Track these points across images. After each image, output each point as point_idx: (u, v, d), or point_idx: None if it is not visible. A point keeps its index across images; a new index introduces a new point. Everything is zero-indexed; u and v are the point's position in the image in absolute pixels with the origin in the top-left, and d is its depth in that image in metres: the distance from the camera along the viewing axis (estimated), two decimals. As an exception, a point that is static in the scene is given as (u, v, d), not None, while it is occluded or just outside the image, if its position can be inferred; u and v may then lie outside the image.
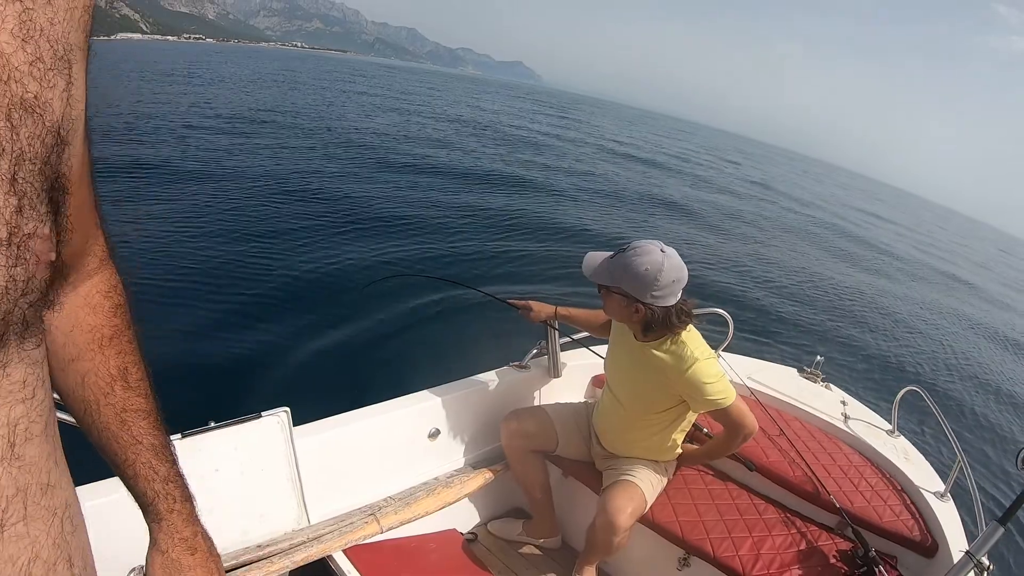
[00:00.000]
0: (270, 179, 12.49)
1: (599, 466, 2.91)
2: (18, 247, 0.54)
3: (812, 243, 20.97)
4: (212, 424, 2.17)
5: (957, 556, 2.34)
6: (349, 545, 2.35)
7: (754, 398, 3.45)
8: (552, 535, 3.12)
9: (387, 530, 2.49)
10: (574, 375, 3.54)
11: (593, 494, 2.81)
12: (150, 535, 0.97)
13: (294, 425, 2.34)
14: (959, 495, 2.93)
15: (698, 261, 12.91)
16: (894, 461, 3.10)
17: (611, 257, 2.42)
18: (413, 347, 6.22)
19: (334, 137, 19.79)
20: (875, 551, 2.47)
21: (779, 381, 3.77)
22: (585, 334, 3.25)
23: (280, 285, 7.13)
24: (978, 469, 6.91)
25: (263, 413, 2.28)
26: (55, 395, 1.61)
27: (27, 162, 0.54)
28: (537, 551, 3.11)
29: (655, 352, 2.46)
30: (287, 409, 2.32)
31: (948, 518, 2.72)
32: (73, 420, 1.67)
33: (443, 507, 2.76)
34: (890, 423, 3.49)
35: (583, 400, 3.48)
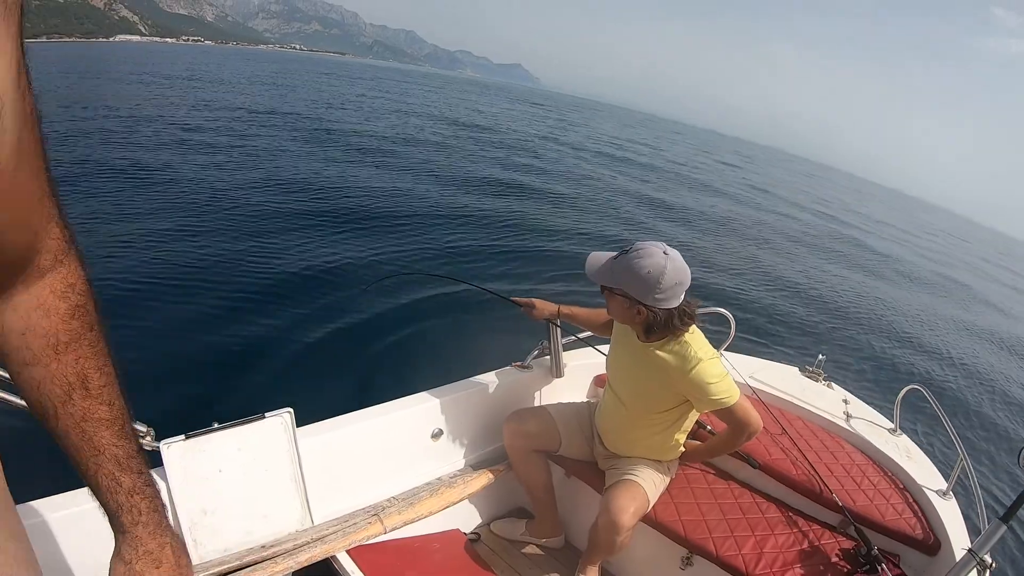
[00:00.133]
0: (270, 180, 12.52)
1: (602, 466, 2.92)
2: None
3: (812, 245, 21.00)
4: (216, 425, 2.18)
5: (960, 554, 2.35)
6: (353, 545, 2.36)
7: (756, 397, 3.46)
8: (555, 535, 3.13)
9: (390, 530, 2.50)
10: (576, 375, 3.53)
11: (596, 494, 2.81)
12: (115, 544, 0.94)
13: (297, 426, 2.35)
14: (961, 493, 2.94)
15: (699, 262, 12.94)
16: (896, 460, 3.10)
17: (614, 258, 2.41)
18: (415, 347, 6.23)
19: (333, 138, 19.83)
20: (878, 549, 2.47)
21: (781, 380, 3.77)
22: (588, 333, 3.25)
23: (283, 286, 7.15)
24: (980, 467, 6.91)
25: (267, 414, 2.28)
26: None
27: None
28: (540, 551, 3.11)
29: (658, 352, 2.46)
30: (290, 410, 2.32)
31: (950, 516, 2.72)
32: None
33: (446, 507, 2.77)
34: (892, 422, 3.49)
35: (585, 400, 3.48)
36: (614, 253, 2.44)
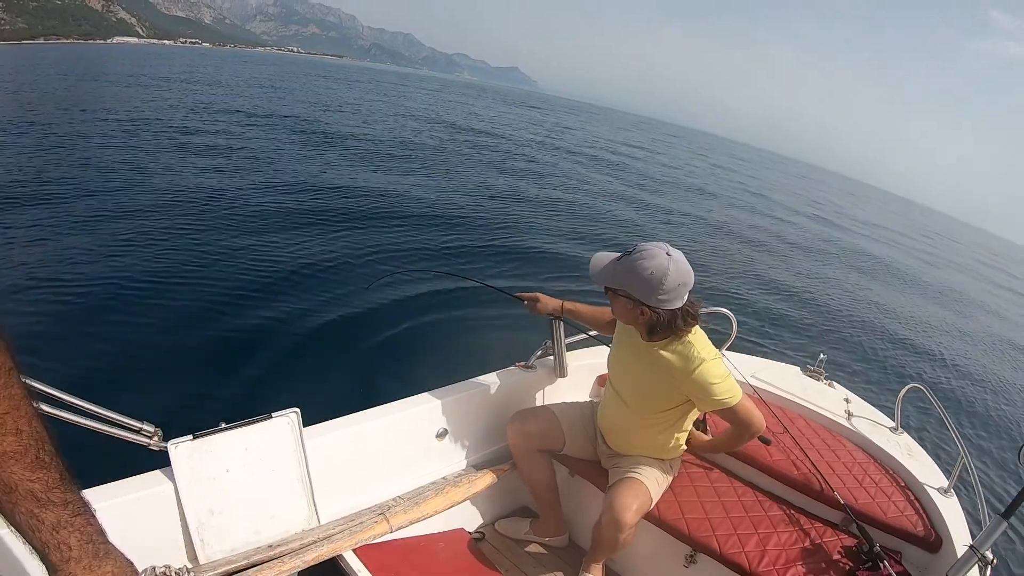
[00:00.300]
0: (269, 181, 12.56)
1: (605, 465, 2.93)
2: None
3: (811, 247, 21.07)
4: (223, 425, 2.19)
5: (961, 550, 2.36)
6: (359, 545, 2.37)
7: (758, 396, 3.47)
8: (559, 534, 3.14)
9: (396, 529, 2.51)
10: (580, 375, 3.54)
11: (600, 493, 2.82)
12: None
13: (304, 426, 2.36)
14: (962, 490, 2.96)
15: (699, 263, 12.96)
16: (898, 458, 3.12)
17: (617, 259, 2.41)
18: (419, 345, 6.26)
19: (331, 141, 19.82)
20: (880, 546, 2.49)
21: (783, 379, 3.79)
22: (592, 333, 3.27)
23: (286, 284, 7.20)
24: (981, 464, 6.93)
25: (273, 414, 2.29)
26: (36, 384, 1.61)
27: None
28: (544, 550, 3.13)
29: (661, 353, 2.47)
30: (297, 410, 2.33)
31: (952, 513, 2.74)
32: (48, 409, 1.69)
33: (451, 506, 2.78)
34: (893, 420, 3.51)
35: (589, 399, 3.49)
36: (617, 254, 2.44)
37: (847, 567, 2.48)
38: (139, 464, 2.05)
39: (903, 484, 2.96)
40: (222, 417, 2.23)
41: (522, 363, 3.40)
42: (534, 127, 45.41)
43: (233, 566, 2.11)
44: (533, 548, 3.13)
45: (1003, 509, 2.11)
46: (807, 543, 2.59)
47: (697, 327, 2.47)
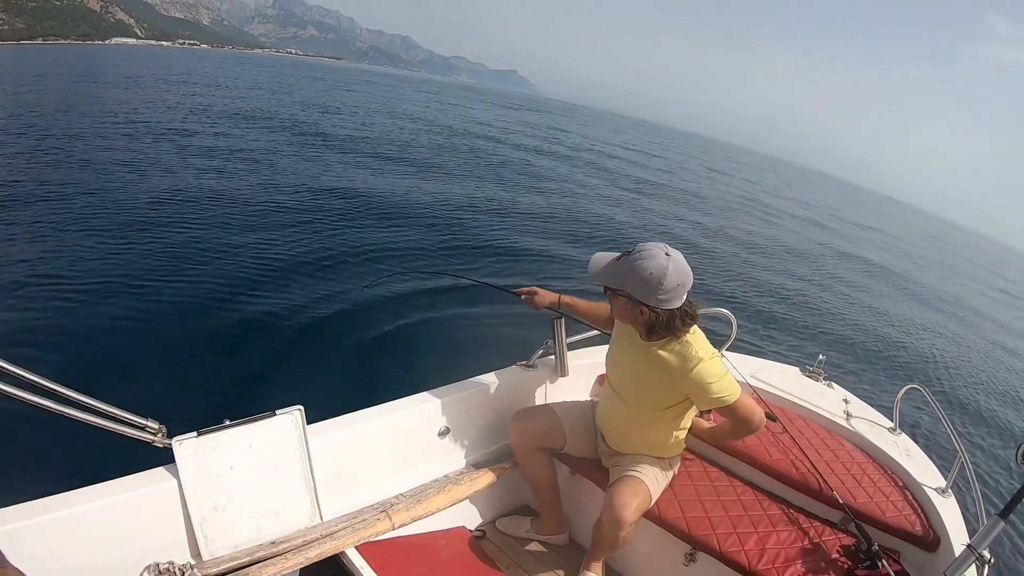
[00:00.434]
0: (268, 183, 12.59)
1: (605, 463, 2.94)
2: None
3: (810, 249, 21.14)
4: (227, 422, 2.20)
5: (959, 550, 2.37)
6: (361, 542, 2.38)
7: (757, 396, 3.48)
8: (559, 532, 3.16)
9: (399, 527, 2.53)
10: (580, 374, 3.56)
11: (600, 491, 2.83)
12: None
13: (307, 423, 2.37)
14: (960, 490, 2.97)
15: (699, 264, 13.01)
16: (896, 458, 3.13)
17: (617, 259, 2.42)
18: (420, 345, 6.30)
19: (328, 143, 19.85)
20: (878, 546, 2.50)
21: (782, 380, 3.81)
22: (592, 333, 3.28)
23: (286, 284, 7.26)
24: (979, 465, 6.97)
25: (277, 411, 2.31)
26: (42, 380, 1.63)
27: None
28: (545, 548, 3.14)
29: (659, 352, 2.48)
30: (300, 407, 2.34)
31: (950, 513, 2.75)
32: (53, 405, 1.71)
33: (453, 504, 2.79)
34: (892, 420, 3.53)
35: (589, 399, 3.50)
36: (617, 254, 2.45)
37: (846, 566, 2.49)
38: (143, 461, 2.06)
39: (901, 484, 2.97)
40: (226, 414, 2.24)
41: (523, 362, 3.42)
42: (531, 129, 45.47)
43: (236, 562, 2.12)
44: (534, 546, 3.14)
45: (1001, 509, 2.12)
46: (806, 542, 2.61)
47: (695, 327, 2.49)
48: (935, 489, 2.90)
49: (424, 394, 2.94)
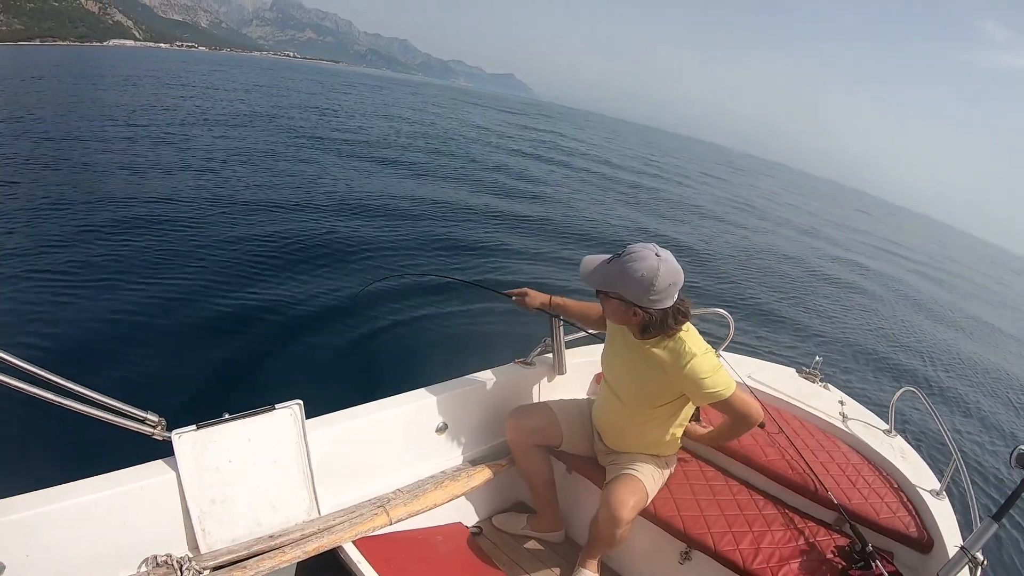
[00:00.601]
0: (267, 185, 12.63)
1: (602, 461, 2.95)
2: None
3: (809, 251, 21.21)
4: (227, 416, 2.20)
5: (952, 551, 2.39)
6: (359, 536, 2.39)
7: (754, 397, 3.50)
8: (556, 529, 3.17)
9: (396, 522, 2.53)
10: (578, 372, 3.57)
11: (596, 489, 2.84)
12: None
13: (306, 418, 2.38)
14: (954, 492, 2.98)
15: (698, 267, 13.08)
16: (891, 460, 3.14)
17: (607, 262, 2.43)
18: (418, 342, 6.33)
19: (326, 145, 19.86)
20: (872, 546, 2.50)
21: (778, 380, 3.83)
22: (584, 333, 3.30)
23: (287, 285, 7.28)
24: (973, 467, 7.00)
25: (277, 405, 2.31)
26: (42, 372, 1.63)
27: None
28: (541, 545, 3.15)
29: (653, 350, 2.49)
30: (300, 402, 2.35)
31: (943, 515, 2.76)
32: (53, 397, 1.72)
33: (450, 500, 2.80)
34: (887, 423, 3.54)
35: (586, 397, 3.52)
36: (607, 257, 2.45)
37: (840, 566, 2.50)
38: (143, 453, 2.07)
39: (896, 486, 2.98)
40: (225, 408, 2.24)
41: (521, 360, 3.43)
42: (527, 132, 45.53)
43: (234, 555, 2.12)
44: (530, 543, 3.16)
45: (994, 511, 2.13)
46: (801, 542, 2.62)
47: (688, 324, 2.50)
48: (929, 491, 2.91)
49: (422, 390, 2.94)
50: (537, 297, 3.04)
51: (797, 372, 4.10)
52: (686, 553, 2.80)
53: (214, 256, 7.78)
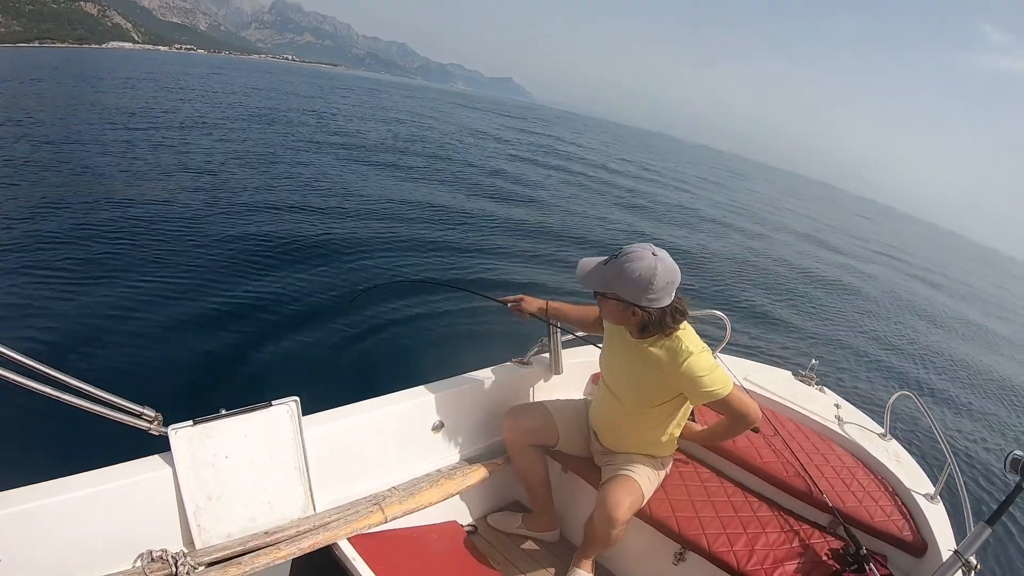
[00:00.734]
0: (265, 188, 12.66)
1: (598, 461, 2.96)
2: None
3: (806, 255, 21.26)
4: (223, 411, 2.20)
5: (946, 555, 2.39)
6: (354, 533, 2.39)
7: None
8: (551, 529, 3.18)
9: (391, 519, 2.53)
10: (575, 372, 3.58)
11: (592, 489, 2.85)
12: None
13: (303, 415, 2.38)
14: (948, 497, 2.99)
15: (696, 269, 13.13)
16: (886, 463, 3.15)
17: (604, 263, 2.43)
18: (414, 340, 6.37)
19: (323, 149, 19.90)
20: (866, 550, 2.52)
21: (775, 383, 3.84)
22: (580, 334, 3.30)
23: (287, 287, 7.31)
24: (967, 471, 7.03)
25: (273, 402, 2.31)
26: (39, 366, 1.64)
27: None
28: (536, 544, 3.16)
29: (651, 349, 2.50)
30: (296, 399, 2.35)
31: (937, 519, 2.77)
32: (50, 391, 1.72)
33: (446, 498, 2.80)
34: (882, 426, 3.55)
35: (583, 397, 3.52)
36: (603, 258, 2.46)
37: (833, 569, 2.50)
38: (139, 448, 2.06)
39: (890, 489, 2.99)
40: (222, 404, 2.24)
41: (518, 359, 3.43)
42: (525, 136, 45.61)
43: (229, 551, 2.12)
44: (525, 542, 3.17)
45: (988, 516, 2.14)
46: (795, 544, 2.62)
47: (685, 323, 2.50)
48: (924, 495, 2.91)
49: (418, 388, 2.95)
50: (533, 303, 3.05)
51: (793, 375, 4.11)
52: (680, 554, 2.81)
53: (212, 254, 7.85)
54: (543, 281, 9.56)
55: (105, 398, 1.90)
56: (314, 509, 2.41)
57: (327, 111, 35.83)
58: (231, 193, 11.52)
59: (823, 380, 4.08)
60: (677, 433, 2.80)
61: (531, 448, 2.98)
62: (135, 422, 1.99)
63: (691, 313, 2.51)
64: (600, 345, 2.98)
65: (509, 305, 3.07)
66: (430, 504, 2.72)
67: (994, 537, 2.57)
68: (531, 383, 3.45)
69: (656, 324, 2.42)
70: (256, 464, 2.26)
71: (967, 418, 9.34)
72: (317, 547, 2.27)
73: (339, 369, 5.65)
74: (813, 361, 4.11)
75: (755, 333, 9.85)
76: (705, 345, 2.54)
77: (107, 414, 1.91)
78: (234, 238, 8.61)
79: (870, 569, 2.43)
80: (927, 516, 2.76)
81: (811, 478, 2.86)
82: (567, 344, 3.42)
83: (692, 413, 3.04)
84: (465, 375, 3.18)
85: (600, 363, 2.91)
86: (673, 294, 2.40)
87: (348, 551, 2.30)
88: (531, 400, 3.41)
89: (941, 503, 2.92)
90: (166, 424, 2.07)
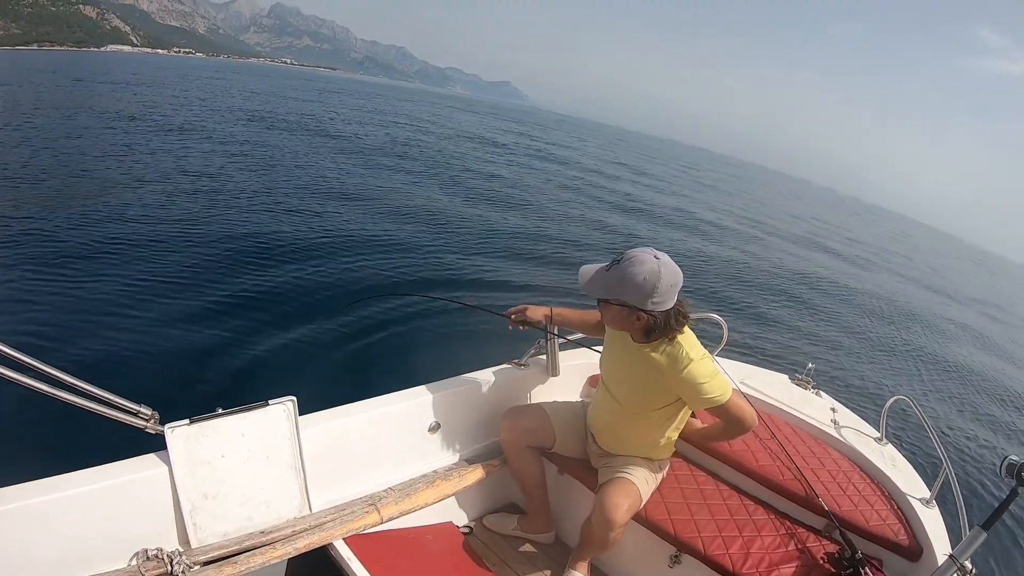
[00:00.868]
0: (264, 188, 12.71)
1: (595, 464, 2.96)
2: None
3: (804, 258, 21.28)
4: (220, 411, 2.20)
5: (941, 559, 2.39)
6: (350, 534, 2.38)
7: (748, 402, 3.51)
8: (546, 531, 3.18)
9: (387, 520, 2.53)
10: (571, 374, 3.58)
11: (587, 491, 2.85)
12: None
13: (300, 414, 2.38)
14: (944, 501, 2.99)
15: (693, 273, 13.14)
16: (882, 467, 3.15)
17: (606, 269, 2.42)
18: (411, 341, 6.38)
19: (322, 151, 19.92)
20: (861, 553, 2.51)
21: (771, 387, 3.83)
22: (577, 336, 3.30)
23: (287, 286, 7.36)
24: (963, 476, 7.04)
25: (270, 401, 2.31)
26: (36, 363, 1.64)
27: None
28: (531, 546, 3.16)
29: (652, 355, 2.50)
30: (293, 398, 2.35)
31: (933, 523, 2.77)
32: (46, 388, 1.72)
33: (441, 499, 2.80)
34: (879, 430, 3.55)
35: (579, 399, 3.52)
36: (605, 264, 2.46)
37: (829, 572, 2.50)
38: (135, 446, 2.07)
39: (886, 493, 2.99)
40: (219, 403, 2.23)
41: (515, 360, 3.43)
42: (523, 140, 45.71)
43: (225, 551, 2.12)
44: (520, 544, 3.16)
45: (983, 520, 2.15)
46: (790, 547, 2.62)
47: (687, 327, 2.51)
48: (919, 499, 2.92)
49: (415, 389, 2.94)
50: (537, 311, 3.05)
51: (790, 378, 4.11)
52: (676, 557, 2.81)
53: (209, 255, 7.89)
54: (542, 283, 9.59)
55: (102, 396, 1.90)
56: (310, 509, 2.41)
57: (325, 115, 35.88)
58: (229, 195, 11.57)
59: (819, 384, 4.09)
60: (675, 437, 2.80)
61: (528, 449, 2.98)
62: (132, 420, 1.99)
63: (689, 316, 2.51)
64: (596, 348, 2.97)
65: (513, 317, 3.07)
66: (426, 505, 2.71)
67: (990, 541, 2.56)
68: (528, 385, 3.45)
69: (661, 327, 2.42)
70: (252, 463, 2.26)
71: (964, 423, 9.34)
72: (313, 547, 2.27)
73: (336, 369, 5.66)
74: (809, 365, 4.12)
75: (752, 337, 9.86)
76: (706, 351, 2.54)
77: (104, 412, 1.91)
78: (232, 238, 8.66)
79: (866, 573, 2.43)
80: (923, 520, 2.76)
81: (807, 482, 2.86)
82: (564, 346, 3.42)
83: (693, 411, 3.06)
84: (462, 376, 3.18)
85: (600, 366, 2.91)
86: (676, 296, 2.40)
87: (344, 551, 2.30)
88: (528, 402, 3.41)
89: (937, 507, 2.92)
90: (163, 423, 2.07)
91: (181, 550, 2.05)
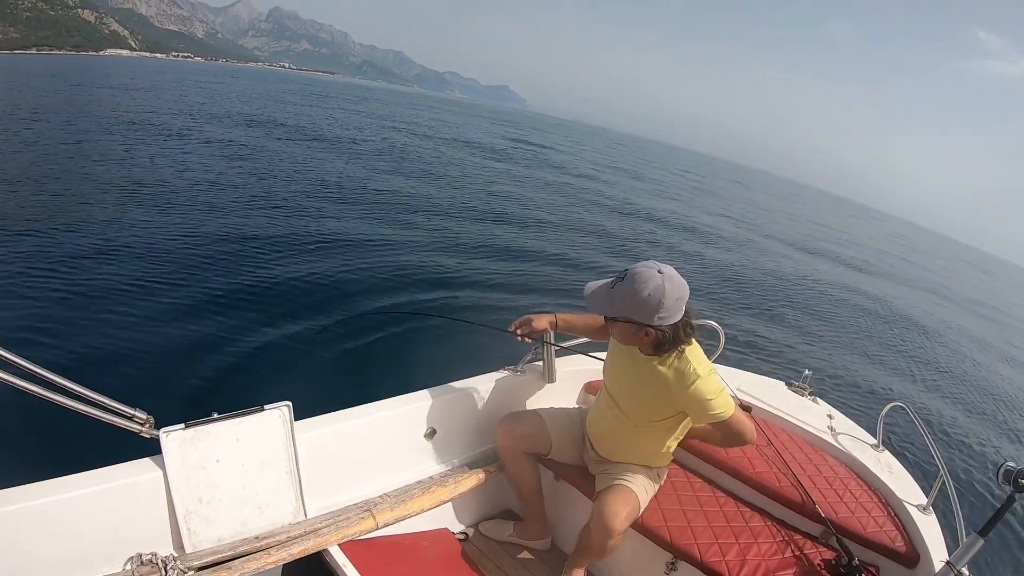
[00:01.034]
0: (263, 191, 12.75)
1: (592, 470, 2.94)
2: None
3: (802, 261, 21.31)
4: (215, 415, 2.19)
5: (938, 566, 2.39)
6: (345, 540, 2.37)
7: (750, 416, 3.51)
8: (542, 537, 3.17)
9: (382, 526, 2.52)
10: (567, 381, 3.57)
11: (583, 498, 2.85)
12: None
13: (295, 419, 2.37)
14: (941, 507, 2.98)
15: (691, 276, 13.15)
16: (878, 474, 3.15)
17: (611, 287, 2.40)
18: (408, 347, 6.37)
19: (320, 156, 19.93)
20: (858, 560, 2.51)
21: (768, 393, 3.83)
22: (580, 341, 3.30)
23: (284, 290, 7.36)
24: (960, 483, 7.05)
25: (266, 406, 2.30)
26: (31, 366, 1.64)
27: None
28: (527, 553, 3.15)
29: (659, 368, 2.48)
30: (289, 403, 2.34)
31: (930, 530, 2.76)
32: (41, 391, 1.71)
33: (437, 505, 2.79)
34: (875, 437, 3.55)
35: (576, 406, 3.51)
36: (610, 281, 2.43)
37: None
38: (130, 451, 2.05)
39: (883, 500, 2.98)
40: (214, 408, 2.22)
41: (512, 367, 3.42)
42: (520, 145, 45.77)
43: (219, 556, 2.11)
44: (516, 551, 3.15)
45: (980, 527, 2.14)
46: (787, 554, 2.61)
47: (693, 340, 2.50)
48: (916, 506, 2.91)
49: (412, 395, 2.94)
50: (542, 320, 3.00)
51: (786, 385, 4.11)
52: (672, 563, 2.80)
53: (208, 258, 7.88)
54: (540, 284, 9.60)
55: (97, 400, 1.89)
56: (305, 515, 2.40)
57: (322, 119, 35.91)
58: (227, 195, 11.60)
59: (816, 391, 4.09)
60: (675, 446, 2.79)
61: (524, 456, 2.96)
62: (127, 424, 1.98)
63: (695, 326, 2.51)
64: (593, 355, 2.96)
65: (519, 331, 3.02)
66: (422, 511, 2.70)
67: (987, 548, 2.56)
68: (524, 391, 3.44)
69: (671, 341, 2.40)
70: (247, 468, 2.25)
71: (960, 429, 9.34)
72: (307, 553, 2.26)
73: (332, 374, 5.66)
74: (806, 372, 4.12)
75: (748, 344, 9.86)
76: (712, 366, 2.53)
77: (98, 416, 1.90)
78: (230, 241, 8.67)
79: (862, 579, 2.43)
80: (920, 527, 2.75)
81: (804, 488, 2.86)
82: (560, 353, 3.42)
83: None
84: (458, 382, 3.17)
85: (604, 373, 2.89)
86: (683, 309, 2.39)
87: (339, 557, 2.29)
88: (524, 408, 3.40)
89: (934, 514, 2.91)
90: (158, 427, 2.06)
91: (176, 555, 2.04)
